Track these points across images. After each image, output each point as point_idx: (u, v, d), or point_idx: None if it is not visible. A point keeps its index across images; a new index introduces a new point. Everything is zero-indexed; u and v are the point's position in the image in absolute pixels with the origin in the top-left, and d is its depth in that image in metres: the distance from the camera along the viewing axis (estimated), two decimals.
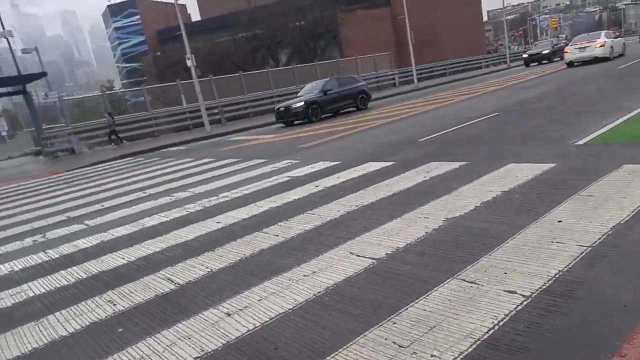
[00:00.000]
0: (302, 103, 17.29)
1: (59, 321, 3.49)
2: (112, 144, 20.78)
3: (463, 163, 6.49)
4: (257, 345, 2.72)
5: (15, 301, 4.09)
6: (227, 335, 2.87)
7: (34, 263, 5.16)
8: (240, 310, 3.19)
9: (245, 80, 26.82)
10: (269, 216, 5.48)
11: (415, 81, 30.99)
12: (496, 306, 2.69)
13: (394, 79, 34.39)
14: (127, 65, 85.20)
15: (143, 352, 2.83)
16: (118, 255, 4.90)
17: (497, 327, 2.49)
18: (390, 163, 7.37)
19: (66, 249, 5.52)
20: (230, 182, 8.07)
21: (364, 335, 2.62)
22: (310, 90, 18.77)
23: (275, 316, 3.02)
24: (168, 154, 15.16)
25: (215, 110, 24.29)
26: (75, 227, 6.57)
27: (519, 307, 2.64)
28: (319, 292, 3.27)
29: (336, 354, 2.49)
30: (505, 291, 2.85)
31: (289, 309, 3.09)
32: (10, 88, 19.74)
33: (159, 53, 67.01)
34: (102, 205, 7.93)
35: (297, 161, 9.20)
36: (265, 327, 2.91)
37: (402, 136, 10.23)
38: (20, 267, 5.09)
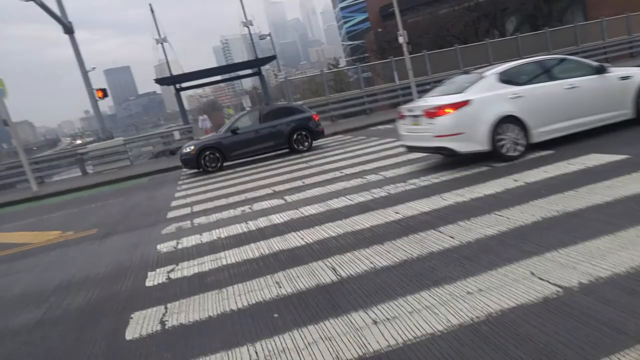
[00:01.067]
0: (191, 148, 13.27)
1: (234, 294, 3.93)
2: None
3: None
4: None
5: (212, 267, 4.79)
6: (366, 346, 2.75)
7: (235, 233, 5.97)
8: (388, 320, 3.01)
9: (461, 54, 25.40)
10: (451, 212, 5.06)
11: None
12: None
13: None
14: (351, 43, 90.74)
15: (286, 344, 2.95)
16: (299, 236, 5.26)
17: None
18: (621, 157, 5.93)
19: (262, 222, 6.21)
20: (422, 168, 7.79)
21: None
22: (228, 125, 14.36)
23: (421, 336, 2.75)
24: (375, 133, 15.58)
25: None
26: (275, 202, 7.35)
27: None
28: (478, 317, 2.84)
29: None
30: None
31: (438, 331, 2.77)
32: (250, 70, 23.27)
33: (380, 29, 69.05)
34: (303, 182, 8.65)
35: None
36: (406, 347, 2.67)
37: None
38: (225, 235, 5.97)
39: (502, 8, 41.90)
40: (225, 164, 13.40)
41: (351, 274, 3.89)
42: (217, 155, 13.13)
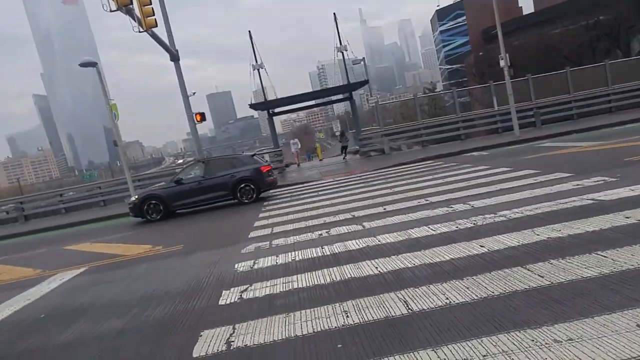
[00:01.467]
0: (136, 197, 13.86)
1: (300, 319, 3.93)
2: (344, 157, 25.17)
3: None
4: None
5: (283, 290, 4.85)
6: None
7: (310, 256, 6.01)
8: None
9: (572, 77, 23.70)
10: (543, 249, 4.64)
11: None
12: None
13: None
14: (449, 67, 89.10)
15: None
16: (373, 264, 5.15)
17: None
18: None
19: (338, 247, 6.19)
20: (516, 199, 7.28)
21: None
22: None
23: None
24: (467, 160, 14.99)
25: (530, 112, 22.51)
26: (354, 227, 7.30)
27: None
28: None
29: None
30: None
31: None
32: (341, 95, 23.76)
33: (481, 53, 67.30)
34: (384, 209, 8.52)
35: (614, 179, 7.49)
36: None
37: None
38: (300, 258, 6.03)
39: (628, 26, 38.61)
40: (177, 210, 13.82)
41: (423, 309, 3.70)
42: (160, 205, 13.39)
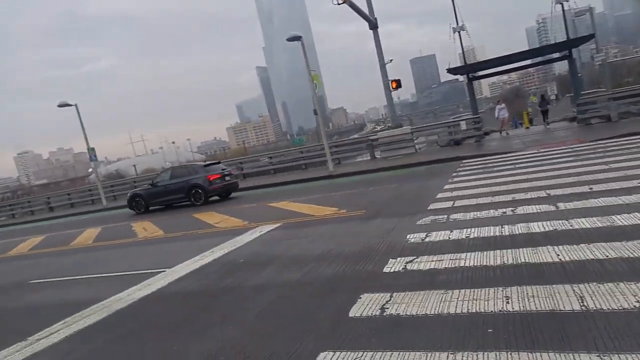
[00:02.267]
0: (129, 194, 18.10)
1: (457, 298, 3.90)
2: (546, 124, 23.04)
3: None
4: None
5: (448, 266, 4.82)
6: None
7: (485, 235, 5.76)
8: None
9: None
10: None
11: None
12: None
13: None
14: None
15: None
16: (554, 251, 4.69)
17: None
18: None
19: (519, 228, 5.77)
20: None
21: None
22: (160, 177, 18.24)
23: None
24: None
25: None
26: (544, 207, 6.65)
27: None
28: None
29: None
30: None
31: None
32: (558, 53, 21.03)
33: None
34: (590, 188, 7.48)
35: None
36: None
37: None
38: (474, 235, 5.84)
39: None
40: (151, 208, 17.68)
41: (601, 308, 3.29)
42: (142, 202, 17.54)
